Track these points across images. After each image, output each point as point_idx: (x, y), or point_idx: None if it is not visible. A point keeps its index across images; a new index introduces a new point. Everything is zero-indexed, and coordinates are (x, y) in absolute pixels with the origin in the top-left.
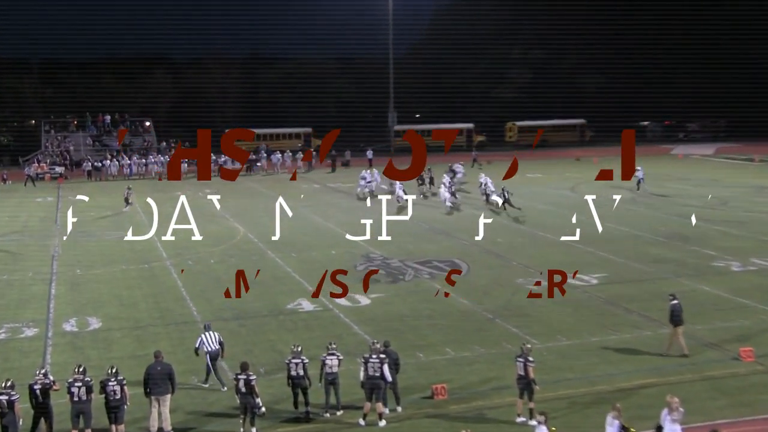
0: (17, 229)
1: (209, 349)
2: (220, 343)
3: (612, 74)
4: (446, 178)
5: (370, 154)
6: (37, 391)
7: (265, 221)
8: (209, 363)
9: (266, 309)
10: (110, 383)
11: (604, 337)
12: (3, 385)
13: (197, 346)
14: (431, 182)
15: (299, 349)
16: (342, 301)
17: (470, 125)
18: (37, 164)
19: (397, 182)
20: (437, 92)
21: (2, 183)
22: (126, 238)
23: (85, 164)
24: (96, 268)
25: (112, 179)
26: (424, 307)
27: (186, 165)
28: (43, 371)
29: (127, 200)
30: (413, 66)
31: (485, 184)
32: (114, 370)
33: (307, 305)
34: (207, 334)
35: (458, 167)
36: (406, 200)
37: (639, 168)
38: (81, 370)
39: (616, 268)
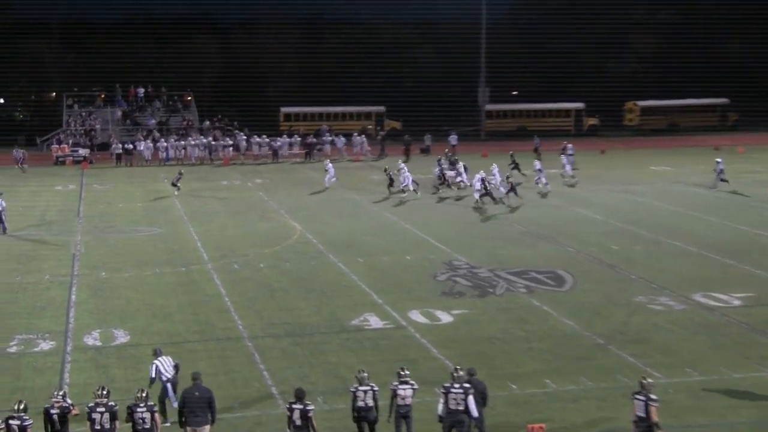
0: (33, 222)
1: (167, 377)
2: (175, 367)
3: (765, 41)
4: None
5: (453, 139)
6: (54, 416)
7: (327, 218)
8: (170, 392)
9: (326, 325)
10: (139, 409)
11: (749, 373)
12: (15, 407)
13: (153, 375)
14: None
15: (366, 375)
16: (418, 317)
17: (580, 105)
18: (57, 145)
19: (461, 163)
20: (539, 65)
21: (18, 167)
22: (158, 235)
23: (113, 146)
24: (124, 271)
25: (146, 164)
26: (519, 328)
27: (231, 149)
28: (61, 393)
29: (175, 184)
30: (510, 32)
31: (485, 178)
32: (144, 394)
33: (375, 321)
34: (161, 359)
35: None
36: (467, 185)
37: (719, 160)
38: (104, 392)
39: (765, 287)
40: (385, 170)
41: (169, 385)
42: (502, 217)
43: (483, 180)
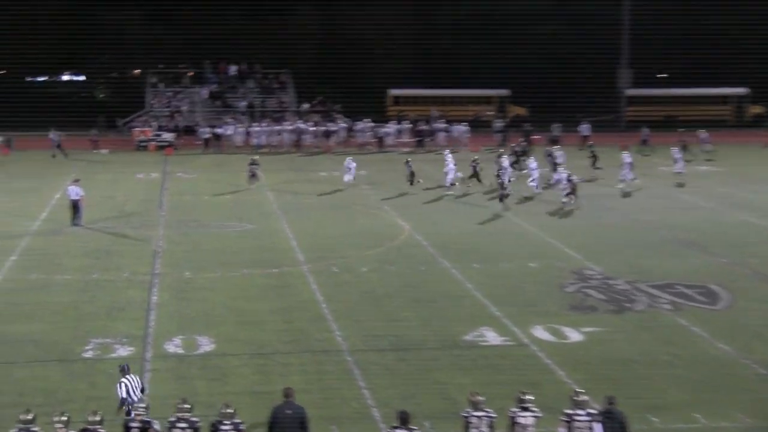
0: (111, 214)
1: (134, 398)
2: (142, 390)
3: None
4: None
5: (586, 129)
6: (136, 431)
7: (439, 217)
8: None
9: (436, 339)
10: (224, 427)
11: None
12: (89, 419)
13: (124, 396)
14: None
15: (481, 398)
16: (543, 333)
17: (742, 91)
18: (139, 129)
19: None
20: (693, 43)
21: (96, 151)
22: (249, 232)
23: (200, 130)
24: (210, 271)
25: (237, 151)
26: (662, 351)
27: (332, 136)
28: (143, 405)
29: (254, 175)
30: (659, 4)
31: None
32: (230, 410)
33: (492, 337)
34: (129, 377)
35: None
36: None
37: None
38: (187, 406)
39: None
40: (407, 162)
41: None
42: (644, 221)
43: (569, 178)
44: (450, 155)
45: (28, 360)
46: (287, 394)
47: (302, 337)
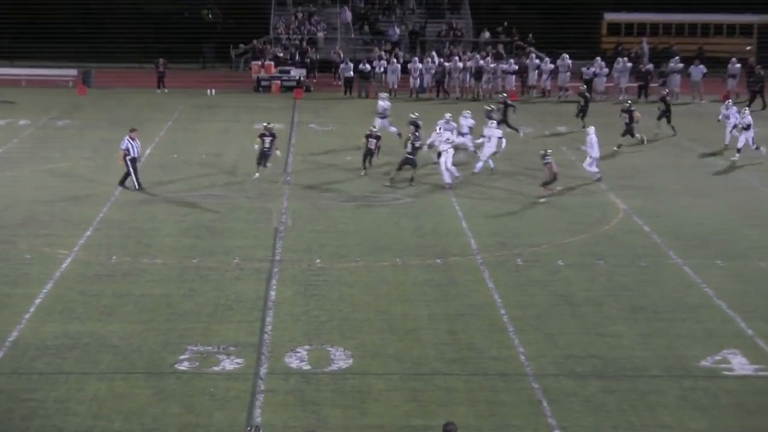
0: (218, 178)
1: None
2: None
3: None
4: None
5: None
6: None
7: (670, 193)
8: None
9: (660, 364)
10: None
11: None
12: None
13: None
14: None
15: None
16: None
17: None
18: (259, 63)
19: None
20: None
21: (160, 91)
22: (405, 207)
23: (342, 66)
24: (349, 258)
25: (392, 95)
26: None
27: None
28: None
29: (266, 154)
30: None
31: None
32: None
33: (740, 364)
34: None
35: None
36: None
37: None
38: None
39: None
40: (628, 110)
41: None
42: None
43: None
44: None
45: (105, 371)
46: (449, 429)
47: (472, 355)
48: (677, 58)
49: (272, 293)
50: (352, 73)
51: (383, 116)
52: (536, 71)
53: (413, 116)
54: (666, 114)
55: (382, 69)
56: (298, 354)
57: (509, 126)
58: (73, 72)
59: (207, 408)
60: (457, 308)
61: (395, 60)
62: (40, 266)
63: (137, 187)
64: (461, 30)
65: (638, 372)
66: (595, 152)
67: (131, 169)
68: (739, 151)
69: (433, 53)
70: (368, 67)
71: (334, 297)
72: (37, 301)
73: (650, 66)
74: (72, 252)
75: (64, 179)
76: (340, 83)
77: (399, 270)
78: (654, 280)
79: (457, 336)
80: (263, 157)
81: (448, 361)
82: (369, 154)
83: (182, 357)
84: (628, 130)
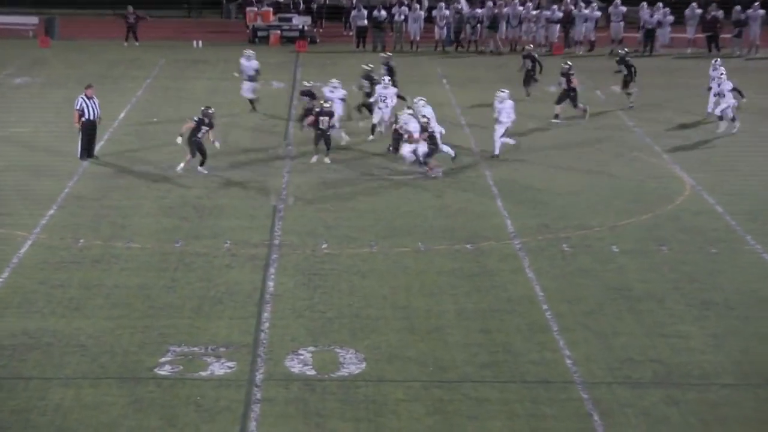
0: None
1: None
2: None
3: None
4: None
5: None
6: None
7: (748, 166)
8: None
9: (735, 371)
10: None
11: None
12: None
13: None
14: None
15: None
16: None
17: None
18: (254, 9)
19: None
20: None
21: (127, 44)
22: (427, 183)
23: (353, 14)
24: (362, 243)
25: (410, 48)
26: None
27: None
28: None
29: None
30: None
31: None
32: None
33: None
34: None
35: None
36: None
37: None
38: None
39: None
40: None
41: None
42: None
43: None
44: None
45: (71, 375)
46: None
47: (508, 358)
48: (757, 3)
49: (270, 284)
50: (365, 21)
51: (252, 79)
52: (584, 22)
53: (367, 68)
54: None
55: (402, 17)
56: (301, 356)
57: (527, 84)
58: (34, 20)
59: (192, 420)
60: (491, 303)
61: (417, 6)
62: None
63: (80, 155)
64: None
65: (707, 379)
66: (505, 117)
67: (81, 134)
68: None
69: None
70: (384, 14)
71: (343, 289)
72: None
73: (719, 13)
74: (32, 234)
75: (22, 147)
76: (351, 33)
77: (421, 257)
78: (727, 269)
79: (491, 336)
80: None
81: (479, 366)
82: (323, 136)
83: (163, 360)
84: (565, 97)
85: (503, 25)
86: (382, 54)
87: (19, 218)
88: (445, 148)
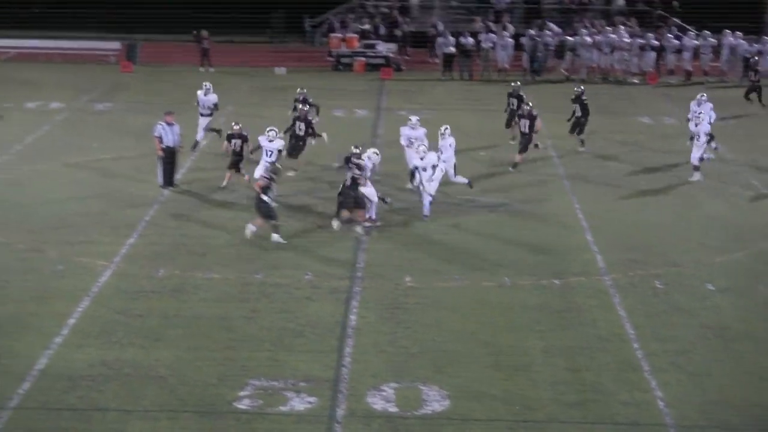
0: (285, 175)
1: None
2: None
3: None
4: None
5: None
6: None
7: None
8: None
9: None
10: None
11: None
12: None
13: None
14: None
15: None
16: None
17: None
18: (337, 36)
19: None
20: None
21: (204, 69)
22: (515, 214)
23: (439, 41)
24: (446, 276)
25: (499, 75)
26: None
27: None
28: None
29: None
30: None
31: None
32: None
33: None
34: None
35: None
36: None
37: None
38: None
39: None
40: None
41: None
42: None
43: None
44: None
45: (149, 407)
46: None
47: (597, 398)
48: None
49: (352, 317)
50: (452, 48)
51: (208, 114)
52: (678, 51)
53: (301, 91)
54: None
55: (490, 44)
56: (383, 393)
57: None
58: (116, 45)
59: None
60: (579, 340)
61: (505, 33)
62: (73, 279)
63: (163, 183)
64: None
65: None
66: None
67: (161, 161)
68: None
69: (551, 24)
70: (472, 41)
71: (427, 323)
72: (71, 321)
73: None
74: (112, 263)
75: (102, 174)
76: (437, 61)
77: (507, 292)
78: None
79: (579, 374)
80: (234, 161)
81: (567, 406)
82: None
83: (242, 393)
84: (527, 141)
85: (594, 53)
86: (513, 83)
87: (100, 246)
88: (459, 179)
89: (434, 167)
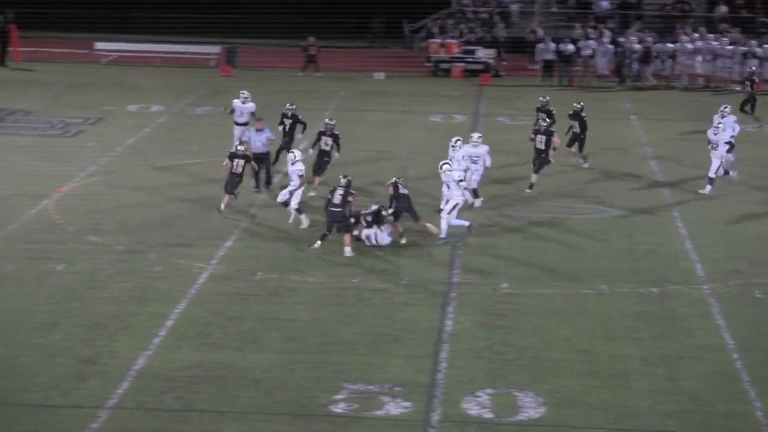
0: (383, 179)
1: None
2: None
3: None
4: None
5: None
6: None
7: None
8: None
9: None
10: None
11: None
12: None
13: None
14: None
15: None
16: None
17: None
18: (436, 41)
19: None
20: None
21: (303, 74)
22: (614, 222)
23: (539, 47)
24: (543, 283)
25: (597, 83)
26: None
27: None
28: None
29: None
30: None
31: None
32: None
33: None
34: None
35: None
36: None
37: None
38: None
39: None
40: None
41: None
42: None
43: None
44: None
45: (245, 409)
46: None
47: (695, 408)
48: None
49: (448, 323)
50: (553, 54)
51: (243, 123)
52: None
53: (290, 107)
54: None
55: (590, 50)
56: (479, 399)
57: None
58: (216, 49)
59: None
60: (677, 349)
61: (605, 39)
62: (172, 281)
63: (253, 187)
64: (689, 2)
65: None
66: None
67: (252, 165)
68: None
69: (637, 31)
70: (572, 47)
71: (523, 330)
72: (168, 323)
73: None
74: (209, 265)
75: (200, 178)
76: (536, 67)
77: (605, 299)
78: None
79: (677, 384)
80: (233, 182)
81: (663, 415)
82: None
83: (337, 397)
84: (543, 161)
85: (696, 60)
86: (542, 98)
87: (197, 249)
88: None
89: (459, 182)
